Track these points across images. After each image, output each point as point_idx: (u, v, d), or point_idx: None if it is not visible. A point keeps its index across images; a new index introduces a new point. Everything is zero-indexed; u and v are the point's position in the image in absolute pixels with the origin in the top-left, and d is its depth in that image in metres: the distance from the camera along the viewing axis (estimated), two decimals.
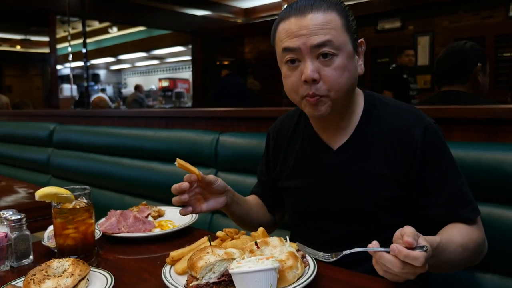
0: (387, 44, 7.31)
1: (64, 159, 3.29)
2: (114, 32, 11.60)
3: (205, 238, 1.25)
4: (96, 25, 11.15)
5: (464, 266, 1.18)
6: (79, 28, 8.38)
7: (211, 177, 1.27)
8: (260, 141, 1.94)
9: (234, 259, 1.01)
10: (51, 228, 1.31)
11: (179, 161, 1.23)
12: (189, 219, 1.60)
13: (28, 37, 12.02)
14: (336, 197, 1.28)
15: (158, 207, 1.73)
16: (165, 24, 10.03)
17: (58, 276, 1.01)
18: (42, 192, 1.22)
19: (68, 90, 9.14)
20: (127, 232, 1.46)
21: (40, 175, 3.52)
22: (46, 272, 1.03)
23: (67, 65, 9.52)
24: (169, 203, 2.05)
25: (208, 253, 1.02)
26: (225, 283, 0.98)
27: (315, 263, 1.08)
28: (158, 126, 2.83)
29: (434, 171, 1.18)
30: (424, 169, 1.18)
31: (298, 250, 1.11)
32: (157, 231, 1.51)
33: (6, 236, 1.22)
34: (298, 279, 1.00)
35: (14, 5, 8.10)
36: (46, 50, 8.89)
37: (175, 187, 1.23)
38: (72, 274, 1.02)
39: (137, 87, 10.30)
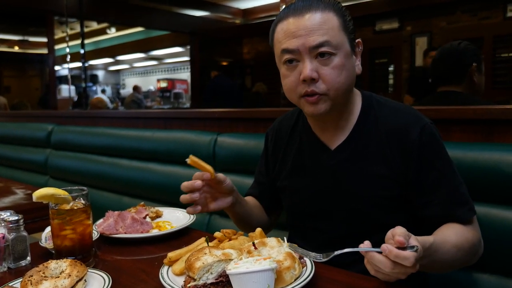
0: (385, 44, 7.32)
1: (62, 160, 3.28)
2: (112, 33, 11.59)
3: (202, 239, 1.25)
4: (94, 26, 11.13)
5: (459, 266, 1.18)
6: (77, 29, 8.40)
7: (221, 176, 1.26)
8: (258, 141, 1.95)
9: (232, 259, 1.01)
10: (48, 229, 1.31)
11: (192, 158, 1.20)
12: (186, 220, 1.60)
13: (26, 38, 12.00)
14: (334, 197, 1.28)
15: (156, 208, 1.73)
16: (163, 24, 10.02)
17: (56, 277, 1.01)
18: (39, 193, 1.22)
19: (66, 91, 9.13)
20: (125, 233, 1.46)
21: (38, 176, 3.51)
22: (43, 273, 1.03)
23: (65, 66, 9.51)
24: (167, 204, 2.06)
25: (205, 253, 1.02)
26: (222, 283, 0.98)
27: (313, 263, 1.08)
28: (156, 127, 2.83)
29: (431, 171, 1.19)
30: (421, 169, 1.19)
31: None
32: (155, 232, 1.51)
33: (3, 237, 1.22)
34: (295, 279, 1.00)
35: (12, 6, 8.08)
36: (44, 51, 8.87)
37: (186, 185, 1.22)
38: (70, 275, 1.01)
39: (135, 88, 10.30)
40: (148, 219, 1.61)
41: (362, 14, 7.01)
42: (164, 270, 1.12)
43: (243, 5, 9.44)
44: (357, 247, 0.97)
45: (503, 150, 1.40)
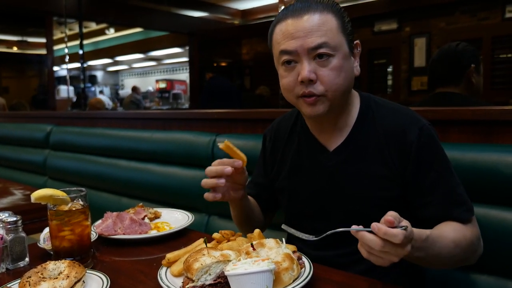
0: (384, 45, 7.33)
1: (60, 161, 3.28)
2: (111, 33, 11.60)
3: (201, 240, 1.25)
4: (93, 26, 11.14)
5: (458, 263, 1.18)
6: (76, 29, 8.39)
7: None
8: (257, 142, 1.94)
9: (230, 261, 1.01)
10: (47, 230, 1.31)
11: (227, 143, 1.18)
12: (185, 221, 1.60)
13: (25, 38, 12.00)
14: (333, 198, 1.28)
15: (155, 209, 1.73)
16: (162, 25, 10.03)
17: (54, 278, 1.01)
18: (38, 194, 1.22)
19: (65, 91, 9.13)
20: (123, 234, 1.46)
21: (37, 177, 3.51)
22: (41, 274, 1.03)
23: (64, 66, 9.51)
24: (166, 204, 2.06)
25: (204, 255, 1.02)
26: (221, 285, 0.98)
27: (311, 264, 1.08)
28: (155, 128, 2.82)
29: (429, 172, 1.19)
30: (419, 170, 1.19)
31: (294, 252, 1.11)
32: (153, 233, 1.51)
33: (1, 238, 1.22)
34: (294, 280, 1.00)
35: (11, 6, 8.08)
36: (43, 51, 8.87)
37: (214, 169, 1.19)
38: (68, 276, 1.01)
39: (134, 89, 10.29)
40: (146, 220, 1.61)
41: (360, 15, 7.01)
42: (162, 271, 1.12)
43: (242, 6, 9.45)
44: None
45: (501, 151, 1.40)
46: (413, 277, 1.32)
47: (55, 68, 9.16)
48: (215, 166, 1.22)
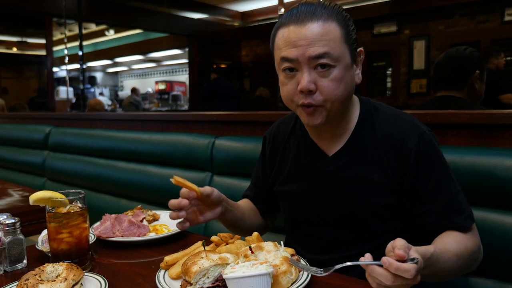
0: (383, 48, 7.35)
1: (59, 162, 3.28)
2: (110, 34, 11.60)
3: (199, 243, 1.25)
4: (92, 27, 11.14)
5: (459, 274, 1.17)
6: (76, 30, 8.37)
7: (207, 189, 1.23)
8: (256, 144, 1.95)
9: (228, 264, 1.01)
10: (45, 232, 1.31)
11: (176, 178, 1.17)
12: None
13: (24, 39, 11.99)
14: (331, 203, 1.28)
15: (153, 211, 1.73)
16: (162, 27, 10.03)
17: (52, 281, 1.01)
18: (36, 196, 1.21)
19: (64, 92, 9.13)
20: (122, 236, 1.46)
21: (35, 178, 3.51)
22: (39, 276, 1.02)
23: (64, 67, 9.51)
24: (164, 207, 2.06)
25: (202, 258, 1.02)
26: None
27: None
28: (154, 130, 2.83)
29: (429, 180, 1.18)
30: (418, 177, 1.18)
31: (292, 255, 1.11)
32: (151, 235, 1.51)
33: None
34: (292, 284, 1.00)
35: (11, 7, 8.08)
36: (43, 52, 8.88)
37: (173, 203, 1.19)
38: (66, 279, 1.01)
39: (134, 90, 10.29)
40: (145, 222, 1.61)
41: (360, 17, 7.02)
42: (160, 274, 1.12)
43: (242, 8, 9.46)
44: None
45: (499, 154, 1.40)
46: None
47: (55, 69, 9.17)
48: (174, 200, 1.21)
